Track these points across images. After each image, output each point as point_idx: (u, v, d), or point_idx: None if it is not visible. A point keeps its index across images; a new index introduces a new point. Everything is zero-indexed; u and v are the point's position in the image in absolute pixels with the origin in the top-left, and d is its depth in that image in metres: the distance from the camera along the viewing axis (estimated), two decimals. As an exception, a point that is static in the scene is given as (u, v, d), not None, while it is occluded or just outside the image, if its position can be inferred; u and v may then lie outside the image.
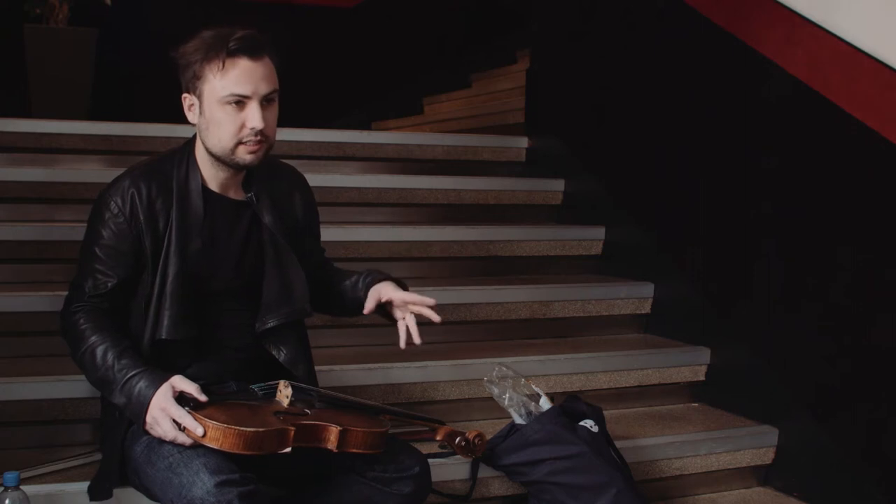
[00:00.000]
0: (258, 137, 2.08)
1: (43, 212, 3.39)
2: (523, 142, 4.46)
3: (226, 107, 2.06)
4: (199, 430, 1.92)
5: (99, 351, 2.04)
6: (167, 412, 1.96)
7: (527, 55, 5.12)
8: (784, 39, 3.10)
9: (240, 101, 2.06)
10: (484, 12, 6.66)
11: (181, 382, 1.99)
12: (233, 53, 2.04)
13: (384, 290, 2.28)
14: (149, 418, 1.97)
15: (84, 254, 2.13)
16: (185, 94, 2.12)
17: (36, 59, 5.71)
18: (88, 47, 5.87)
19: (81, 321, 2.08)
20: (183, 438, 1.95)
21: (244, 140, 2.08)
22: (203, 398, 1.98)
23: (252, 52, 2.06)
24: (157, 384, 1.98)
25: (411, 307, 2.25)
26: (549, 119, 4.40)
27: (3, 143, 3.70)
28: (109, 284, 2.09)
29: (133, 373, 2.00)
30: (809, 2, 3.03)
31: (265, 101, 2.08)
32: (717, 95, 3.38)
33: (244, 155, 2.10)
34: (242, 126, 2.07)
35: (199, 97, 2.09)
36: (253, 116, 2.06)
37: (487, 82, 6.05)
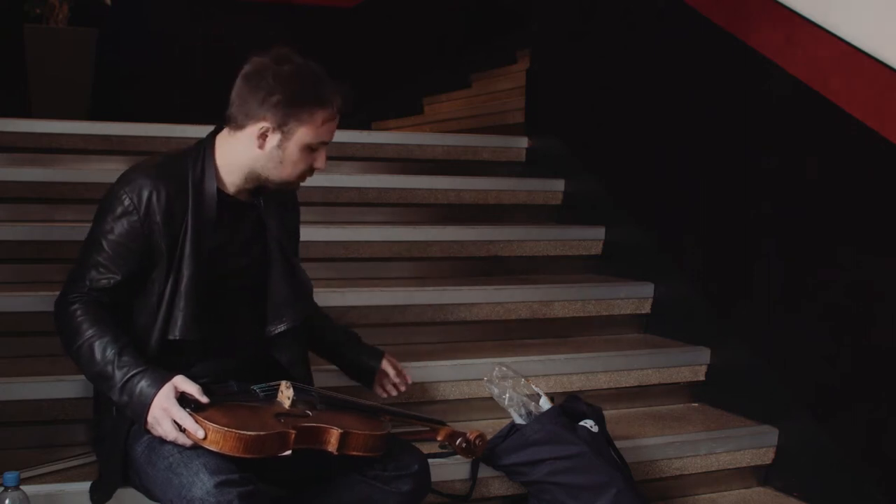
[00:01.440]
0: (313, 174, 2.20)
1: (43, 212, 3.39)
2: (523, 142, 4.46)
3: (307, 149, 2.13)
4: (200, 433, 1.92)
5: (97, 345, 2.02)
6: (168, 413, 1.96)
7: (527, 55, 5.12)
8: (784, 40, 3.10)
9: (319, 147, 2.15)
10: (484, 12, 6.65)
11: (183, 383, 1.99)
12: (341, 111, 2.14)
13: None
14: (150, 418, 1.97)
15: (89, 246, 2.10)
16: (261, 123, 2.09)
17: (36, 59, 5.71)
18: (88, 47, 5.87)
19: (79, 313, 2.06)
20: (184, 440, 1.95)
21: (305, 176, 2.19)
22: (204, 400, 1.98)
23: (350, 108, 2.17)
24: (158, 384, 1.97)
25: (388, 386, 2.43)
26: (549, 119, 4.40)
27: (3, 143, 3.69)
28: (112, 281, 2.07)
29: (135, 371, 1.99)
30: (809, 2, 3.03)
31: None
32: (717, 95, 3.38)
33: (297, 185, 2.22)
34: (311, 165, 2.16)
35: (286, 134, 2.10)
36: (322, 158, 2.17)
37: (487, 82, 6.05)
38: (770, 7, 3.14)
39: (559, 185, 4.18)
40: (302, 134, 2.10)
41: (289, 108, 2.08)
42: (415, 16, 6.87)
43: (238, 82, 2.12)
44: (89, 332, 2.04)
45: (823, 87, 2.95)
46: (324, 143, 2.15)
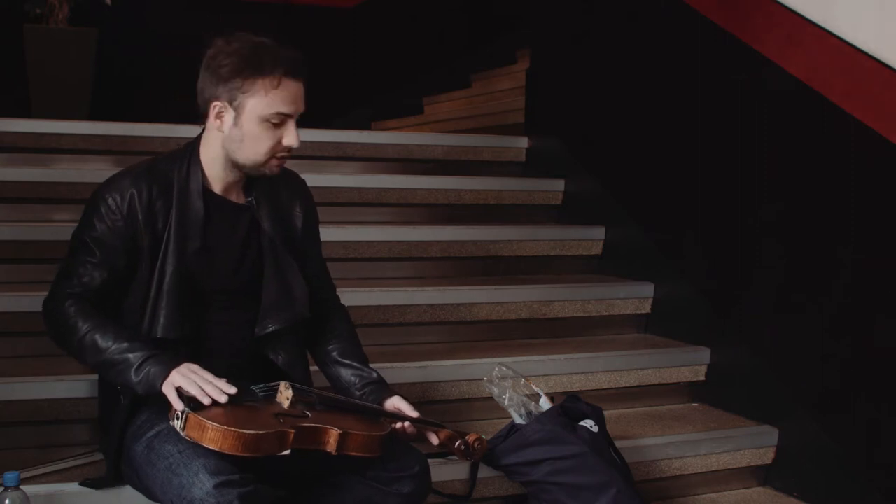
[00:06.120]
0: (290, 153, 2.15)
1: (43, 212, 3.39)
2: (523, 142, 4.46)
3: (266, 123, 2.09)
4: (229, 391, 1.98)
5: (100, 336, 2.04)
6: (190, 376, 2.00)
7: (527, 55, 5.11)
8: (784, 39, 3.10)
9: (281, 120, 2.09)
10: (484, 12, 6.65)
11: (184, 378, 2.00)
12: (287, 74, 2.08)
13: (396, 404, 2.26)
14: (172, 378, 1.99)
15: (75, 244, 2.14)
16: (215, 102, 2.11)
17: (36, 59, 5.70)
18: (88, 47, 5.86)
19: (72, 310, 2.07)
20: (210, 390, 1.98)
21: (278, 155, 2.14)
22: (206, 401, 1.98)
23: (299, 74, 2.11)
24: (169, 366, 2.01)
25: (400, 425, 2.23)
26: (549, 119, 4.40)
27: (3, 143, 3.69)
28: (100, 279, 2.10)
29: (150, 353, 2.02)
30: (809, 2, 3.03)
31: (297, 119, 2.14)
32: (717, 95, 3.38)
33: (273, 167, 2.16)
34: (279, 142, 2.12)
35: (238, 109, 2.09)
36: (291, 135, 2.12)
37: (487, 82, 6.05)
38: (770, 7, 3.14)
39: (559, 185, 4.18)
40: (253, 106, 2.08)
41: (233, 82, 2.08)
42: (415, 16, 6.87)
43: (200, 73, 2.14)
44: (88, 325, 2.05)
45: (824, 86, 2.95)
46: (287, 116, 2.10)
